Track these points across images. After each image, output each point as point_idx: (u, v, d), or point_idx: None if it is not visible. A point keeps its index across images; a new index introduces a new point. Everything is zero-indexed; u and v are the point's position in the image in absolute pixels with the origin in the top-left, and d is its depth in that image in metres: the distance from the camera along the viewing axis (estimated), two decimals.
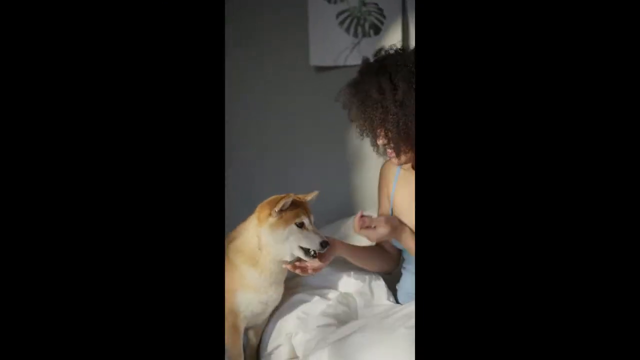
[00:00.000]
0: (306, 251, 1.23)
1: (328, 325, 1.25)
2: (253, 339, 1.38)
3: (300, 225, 1.22)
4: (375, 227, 1.26)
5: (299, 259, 1.25)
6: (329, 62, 1.97)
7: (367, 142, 1.37)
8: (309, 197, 1.28)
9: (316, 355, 1.12)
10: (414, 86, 1.15)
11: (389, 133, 1.24)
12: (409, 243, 1.30)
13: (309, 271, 1.25)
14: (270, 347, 1.32)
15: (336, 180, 2.05)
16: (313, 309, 1.33)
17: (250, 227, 1.25)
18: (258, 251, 1.23)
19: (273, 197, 1.26)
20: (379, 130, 1.27)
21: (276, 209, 1.20)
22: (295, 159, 2.14)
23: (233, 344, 1.27)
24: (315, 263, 1.24)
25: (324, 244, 1.22)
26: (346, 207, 1.93)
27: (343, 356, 1.05)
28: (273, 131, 2.15)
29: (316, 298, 1.37)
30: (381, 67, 1.23)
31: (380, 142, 1.28)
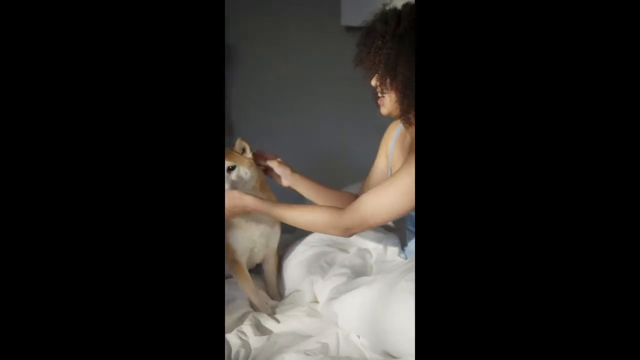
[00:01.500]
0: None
1: (343, 274, 1.33)
2: (272, 279, 1.48)
3: (229, 169, 1.32)
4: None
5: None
6: (360, 23, 1.98)
7: None
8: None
9: (331, 303, 1.20)
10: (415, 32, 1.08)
11: (378, 71, 1.18)
12: (268, 210, 1.28)
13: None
14: (289, 290, 1.43)
15: (364, 138, 2.07)
16: (333, 259, 1.43)
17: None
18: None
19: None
20: (375, 73, 1.20)
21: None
22: (323, 117, 2.19)
23: (240, 277, 1.39)
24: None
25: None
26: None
27: (353, 304, 1.13)
28: (300, 91, 2.19)
29: (337, 251, 1.46)
30: (393, 9, 1.20)
31: (373, 82, 1.22)
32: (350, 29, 2.08)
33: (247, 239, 1.39)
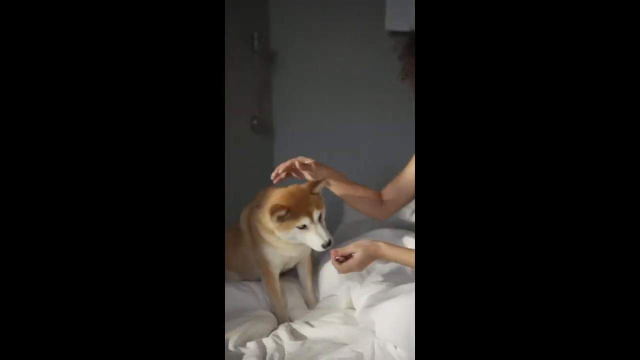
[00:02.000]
0: (326, 244, 1.22)
1: (382, 282, 1.30)
2: (308, 284, 1.44)
3: (302, 227, 1.21)
4: (352, 255, 1.19)
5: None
6: (404, 27, 1.96)
7: None
8: (317, 189, 1.25)
9: (368, 311, 1.19)
10: None
11: None
12: (393, 257, 1.21)
13: (340, 272, 1.22)
14: (325, 294, 1.42)
15: (401, 142, 2.05)
16: (372, 266, 1.39)
17: (265, 215, 1.26)
18: (276, 230, 1.25)
19: (272, 203, 1.23)
20: None
21: (273, 219, 1.21)
22: (363, 122, 2.18)
23: (272, 289, 1.36)
24: (344, 268, 1.19)
25: (327, 245, 1.21)
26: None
27: (391, 313, 1.10)
28: (342, 95, 2.18)
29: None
30: None
31: None
32: (394, 33, 2.05)
33: (283, 256, 1.37)
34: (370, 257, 1.19)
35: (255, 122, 2.11)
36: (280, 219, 1.21)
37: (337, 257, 1.19)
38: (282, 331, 1.22)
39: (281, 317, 1.36)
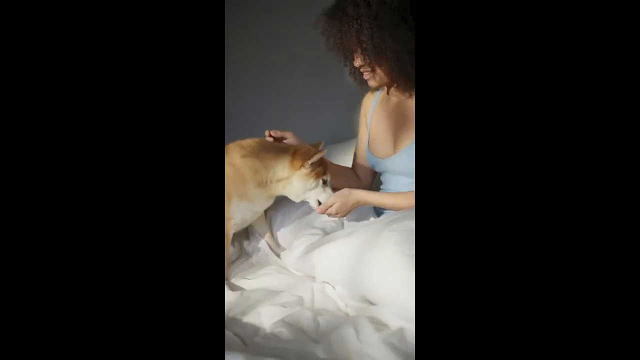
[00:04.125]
0: (318, 202, 1.31)
1: (317, 233, 1.35)
2: (269, 233, 1.48)
3: (325, 182, 1.30)
4: (333, 205, 1.30)
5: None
6: None
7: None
8: (320, 147, 1.33)
9: (307, 257, 1.22)
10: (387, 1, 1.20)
11: (364, 51, 1.26)
12: (373, 200, 1.35)
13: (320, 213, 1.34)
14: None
15: (338, 116, 2.10)
16: (309, 222, 1.44)
17: (280, 164, 1.29)
18: (275, 181, 1.29)
19: (306, 147, 1.31)
20: (355, 54, 1.30)
21: (310, 162, 1.26)
22: (298, 98, 2.20)
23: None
24: (322, 209, 1.31)
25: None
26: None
27: (330, 254, 1.15)
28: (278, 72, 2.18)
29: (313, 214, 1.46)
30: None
31: (356, 63, 1.31)
32: None
33: (252, 211, 1.36)
34: (349, 204, 1.32)
35: None
36: (313, 166, 1.27)
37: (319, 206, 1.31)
38: None
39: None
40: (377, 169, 1.50)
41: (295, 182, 1.28)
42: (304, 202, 1.37)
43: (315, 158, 1.26)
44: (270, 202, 1.39)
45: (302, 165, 1.27)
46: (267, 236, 1.49)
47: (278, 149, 1.33)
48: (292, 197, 1.33)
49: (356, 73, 1.38)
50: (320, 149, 1.32)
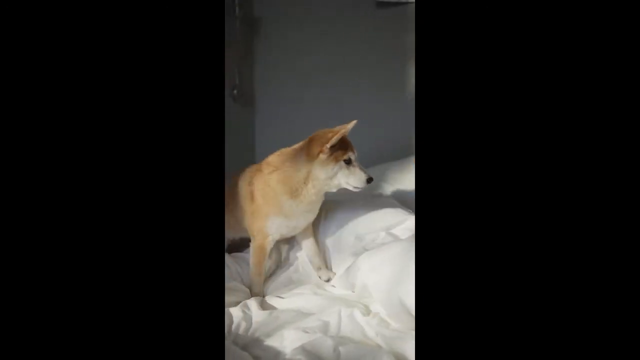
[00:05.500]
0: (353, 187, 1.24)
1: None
2: (315, 252, 1.41)
3: (348, 162, 1.22)
4: None
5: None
6: None
7: None
8: (350, 126, 1.23)
9: (349, 272, 1.19)
10: None
11: None
12: None
13: None
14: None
15: (392, 114, 2.01)
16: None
17: (298, 161, 1.24)
18: (303, 185, 1.24)
19: (321, 131, 1.25)
20: None
21: (328, 145, 1.19)
22: (352, 93, 2.13)
23: (258, 263, 1.32)
24: None
25: (370, 180, 1.23)
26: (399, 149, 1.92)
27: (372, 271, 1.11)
28: (325, 68, 2.14)
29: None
30: None
31: None
32: (381, 4, 2.00)
33: (289, 227, 1.32)
34: None
35: (235, 91, 2.05)
36: (332, 149, 1.20)
37: None
38: (251, 302, 1.20)
39: (258, 293, 1.32)
40: None
41: (317, 172, 1.22)
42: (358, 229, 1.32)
43: (335, 139, 1.18)
44: (309, 217, 1.34)
45: (320, 152, 1.20)
46: (315, 258, 1.41)
47: (295, 149, 1.27)
48: (325, 190, 1.26)
49: None
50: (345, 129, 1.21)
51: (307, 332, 0.99)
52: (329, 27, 2.09)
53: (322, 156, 1.21)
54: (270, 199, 1.27)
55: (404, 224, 1.36)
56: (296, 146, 1.29)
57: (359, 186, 1.23)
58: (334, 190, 1.27)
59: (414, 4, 1.95)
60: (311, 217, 1.35)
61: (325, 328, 1.02)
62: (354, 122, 1.22)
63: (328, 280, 1.33)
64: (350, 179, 1.23)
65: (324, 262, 1.40)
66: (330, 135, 1.20)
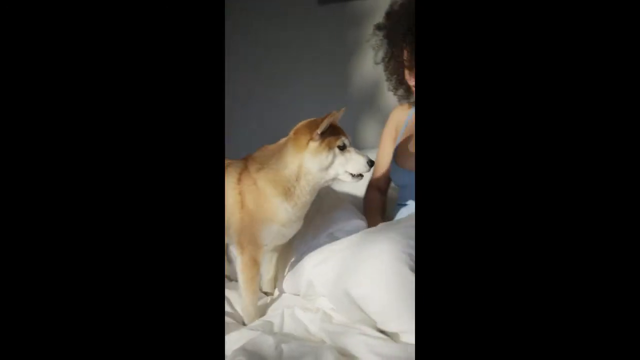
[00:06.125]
0: (352, 174, 1.09)
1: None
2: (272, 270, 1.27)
3: (343, 148, 1.08)
4: None
5: None
6: None
7: (367, 77, 1.37)
8: (340, 114, 1.10)
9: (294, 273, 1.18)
10: None
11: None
12: None
13: None
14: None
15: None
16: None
17: (285, 155, 1.09)
18: (295, 182, 1.09)
19: (305, 121, 1.11)
20: (409, 72, 1.32)
21: (318, 131, 1.05)
22: (296, 92, 2.13)
23: (251, 280, 1.13)
24: None
25: (371, 163, 1.08)
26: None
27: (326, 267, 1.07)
28: (274, 65, 2.13)
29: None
30: (406, 14, 1.28)
31: (411, 83, 1.33)
32: (323, 1, 2.00)
33: (283, 236, 1.16)
34: None
35: None
36: (324, 133, 1.06)
37: None
38: None
39: (251, 316, 1.12)
40: (400, 182, 1.42)
41: (309, 164, 1.07)
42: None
43: (325, 124, 1.05)
44: (300, 223, 1.18)
45: (310, 139, 1.07)
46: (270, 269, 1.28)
47: (280, 144, 1.14)
48: (321, 184, 1.12)
49: (403, 91, 1.42)
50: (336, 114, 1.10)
51: (251, 330, 0.97)
52: (276, 28, 2.09)
53: (313, 144, 1.06)
54: (264, 202, 1.11)
55: (349, 222, 1.35)
56: (280, 142, 1.16)
57: (360, 172, 1.09)
58: (329, 183, 1.14)
59: (356, 2, 1.97)
60: (301, 222, 1.19)
61: (269, 327, 1.00)
62: (344, 109, 1.11)
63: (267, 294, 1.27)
64: (349, 166, 1.08)
65: (274, 278, 1.29)
66: (318, 121, 1.07)
